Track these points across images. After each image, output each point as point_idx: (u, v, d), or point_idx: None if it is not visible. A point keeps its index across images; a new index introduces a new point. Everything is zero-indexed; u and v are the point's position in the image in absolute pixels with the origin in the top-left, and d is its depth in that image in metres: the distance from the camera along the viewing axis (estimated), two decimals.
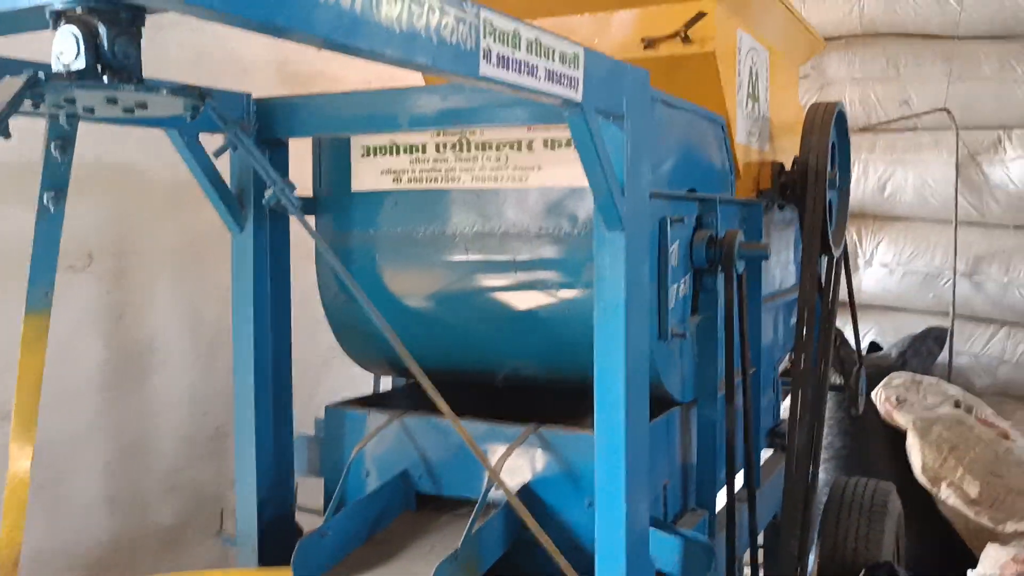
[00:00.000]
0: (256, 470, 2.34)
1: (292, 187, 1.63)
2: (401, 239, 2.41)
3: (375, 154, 2.42)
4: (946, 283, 4.88)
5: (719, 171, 2.69)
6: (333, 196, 2.49)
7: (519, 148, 2.24)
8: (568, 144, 2.18)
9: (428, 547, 2.19)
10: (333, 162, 2.48)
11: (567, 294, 2.25)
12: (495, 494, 2.17)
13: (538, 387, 2.53)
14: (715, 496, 2.55)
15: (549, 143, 2.20)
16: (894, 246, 5.01)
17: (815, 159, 2.82)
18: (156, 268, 3.11)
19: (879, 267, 5.03)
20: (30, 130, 1.79)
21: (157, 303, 3.11)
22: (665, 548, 2.08)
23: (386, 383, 2.96)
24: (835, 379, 3.89)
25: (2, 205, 2.59)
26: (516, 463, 2.21)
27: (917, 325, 4.94)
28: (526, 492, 2.21)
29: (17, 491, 1.99)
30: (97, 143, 2.76)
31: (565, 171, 2.18)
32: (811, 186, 2.79)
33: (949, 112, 4.83)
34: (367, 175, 2.43)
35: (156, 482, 3.10)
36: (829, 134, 2.85)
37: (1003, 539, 3.78)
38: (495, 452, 2.23)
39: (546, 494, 2.20)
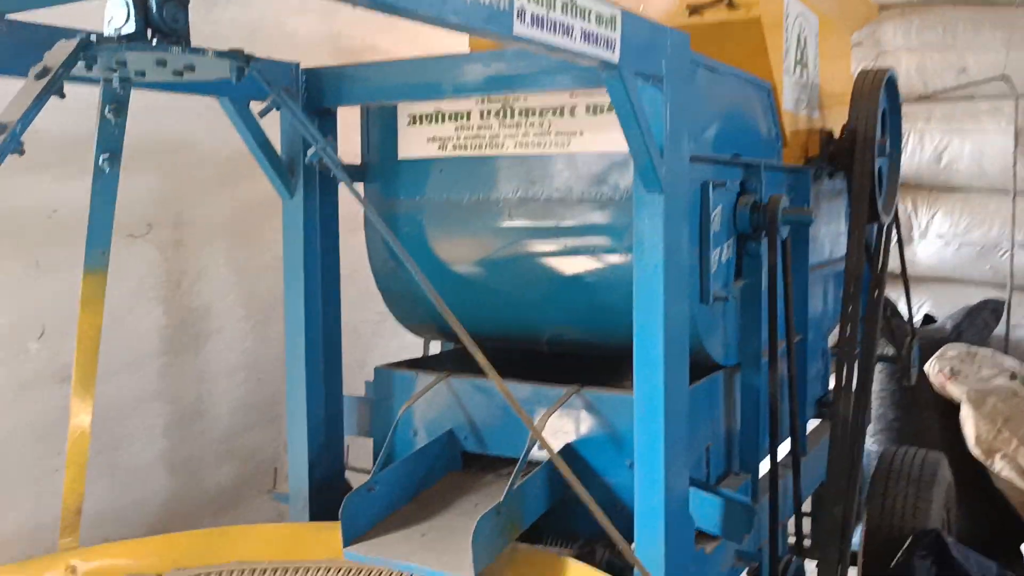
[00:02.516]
0: (307, 429, 2.41)
1: (333, 147, 1.67)
2: (447, 206, 2.45)
3: (421, 122, 2.46)
4: (1003, 254, 4.79)
5: (765, 138, 2.68)
6: (380, 164, 2.54)
7: (561, 114, 2.26)
8: (610, 109, 2.19)
9: (472, 504, 2.25)
10: (380, 130, 2.53)
11: (610, 259, 2.28)
12: (538, 454, 2.22)
13: (581, 352, 2.56)
14: (759, 462, 2.56)
15: (592, 108, 2.23)
16: (950, 217, 4.92)
17: (864, 124, 2.80)
18: (211, 239, 3.20)
19: (934, 238, 4.95)
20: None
21: (213, 272, 3.20)
22: (706, 507, 2.11)
23: (434, 349, 3.02)
24: (887, 350, 3.86)
25: (66, 177, 2.69)
26: (559, 424, 2.25)
27: (973, 297, 4.85)
28: (568, 452, 2.25)
29: (78, 444, 2.09)
30: (153, 117, 2.84)
31: (607, 136, 2.20)
32: (859, 152, 2.76)
33: (1008, 79, 4.72)
34: (413, 143, 2.48)
35: (213, 446, 3.21)
36: (878, 100, 2.82)
37: None
38: (538, 413, 2.27)
39: (588, 454, 2.24)
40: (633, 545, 1.99)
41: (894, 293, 4.12)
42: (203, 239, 3.16)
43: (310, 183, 2.36)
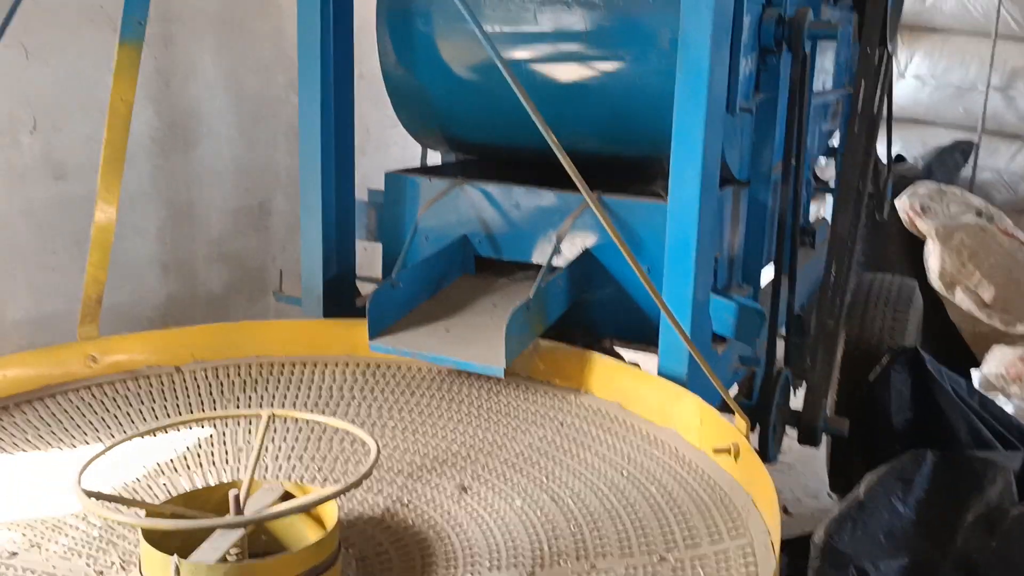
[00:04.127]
0: (322, 229, 2.39)
1: None
2: (467, 3, 2.36)
3: None
4: (978, 97, 4.87)
5: None
6: None
7: None
8: None
9: (491, 304, 2.29)
10: None
11: (637, 67, 2.25)
12: (556, 261, 2.26)
13: (596, 163, 2.56)
14: (760, 274, 2.64)
15: None
16: (929, 58, 4.95)
17: None
18: (200, 37, 3.07)
19: (912, 79, 4.99)
20: None
21: (201, 72, 3.09)
22: (721, 312, 2.18)
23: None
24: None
25: None
26: (578, 230, 2.28)
27: (942, 138, 4.96)
28: (587, 257, 2.28)
29: (103, 232, 2.05)
30: None
31: None
32: None
33: None
34: None
35: (203, 250, 3.18)
36: None
37: (1010, 340, 3.95)
38: (560, 220, 2.29)
39: (606, 259, 2.28)
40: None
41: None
42: (192, 37, 3.03)
43: None
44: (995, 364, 3.79)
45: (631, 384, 2.01)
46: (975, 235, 3.92)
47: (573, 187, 2.30)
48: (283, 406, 2.09)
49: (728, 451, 1.64)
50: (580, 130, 2.43)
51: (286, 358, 2.28)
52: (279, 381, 2.20)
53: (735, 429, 1.67)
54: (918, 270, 4.20)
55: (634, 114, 2.28)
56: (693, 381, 1.99)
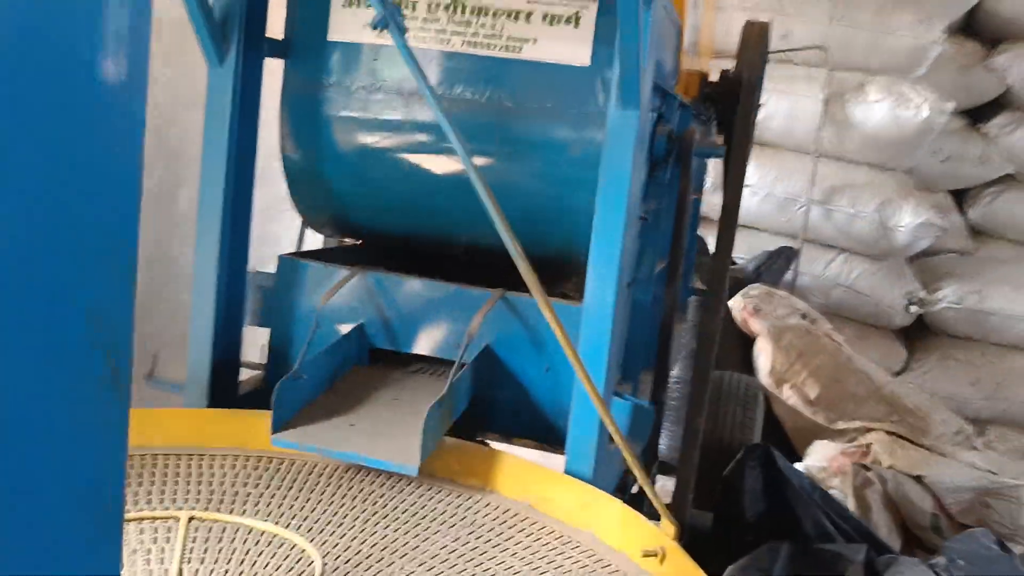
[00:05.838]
0: (214, 314, 2.30)
1: (399, 10, 1.57)
2: (376, 97, 2.38)
3: (359, 4, 2.36)
4: (800, 208, 5.32)
5: (669, 73, 2.81)
6: (306, 42, 2.42)
7: (516, 18, 2.26)
8: (567, 21, 2.23)
9: (391, 398, 2.26)
10: (310, 7, 2.40)
11: (549, 171, 2.32)
12: (455, 355, 2.26)
13: (498, 260, 2.60)
14: (640, 372, 2.75)
15: (548, 18, 2.24)
16: (760, 170, 5.38)
17: (748, 73, 3.00)
18: None
19: (744, 188, 5.39)
20: None
21: None
22: (618, 410, 2.25)
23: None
24: (698, 284, 4.20)
25: None
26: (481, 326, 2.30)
27: (767, 244, 5.37)
28: (487, 354, 2.30)
29: None
30: None
31: (562, 47, 2.23)
32: (744, 94, 2.97)
33: (826, 50, 5.20)
34: (347, 26, 2.38)
35: None
36: (765, 50, 3.04)
37: (830, 436, 4.27)
38: (462, 315, 2.30)
39: (507, 356, 2.30)
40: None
41: (708, 231, 4.46)
42: None
43: (240, 50, 2.22)
44: (818, 458, 4.07)
45: (541, 484, 2.03)
46: (802, 336, 4.25)
47: (473, 281, 2.36)
48: (162, 502, 1.96)
49: (655, 554, 1.68)
50: (488, 228, 2.47)
51: (166, 449, 2.15)
52: (164, 474, 2.06)
53: (660, 532, 1.73)
54: (748, 367, 4.49)
55: (544, 217, 2.35)
56: (598, 480, 2.04)
